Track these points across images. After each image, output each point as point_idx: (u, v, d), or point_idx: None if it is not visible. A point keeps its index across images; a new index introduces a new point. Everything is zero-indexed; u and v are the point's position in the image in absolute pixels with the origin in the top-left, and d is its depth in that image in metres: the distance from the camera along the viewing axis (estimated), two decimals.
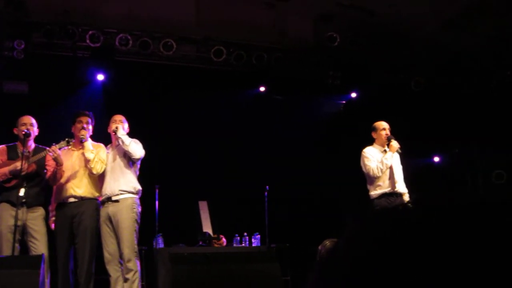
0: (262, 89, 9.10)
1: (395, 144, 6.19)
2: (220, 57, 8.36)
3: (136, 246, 5.68)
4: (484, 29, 8.30)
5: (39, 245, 5.43)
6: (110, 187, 5.74)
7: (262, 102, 9.14)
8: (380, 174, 6.06)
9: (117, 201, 5.66)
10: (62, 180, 5.70)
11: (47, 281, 5.34)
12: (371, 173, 6.10)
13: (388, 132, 6.28)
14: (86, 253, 5.54)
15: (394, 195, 6.05)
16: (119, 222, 5.60)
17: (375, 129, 6.38)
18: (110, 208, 5.66)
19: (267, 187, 7.72)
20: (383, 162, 6.07)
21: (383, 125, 6.34)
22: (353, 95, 9.54)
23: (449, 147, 9.83)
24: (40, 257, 5.19)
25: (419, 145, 8.92)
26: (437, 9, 8.07)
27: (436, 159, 9.98)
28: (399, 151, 6.23)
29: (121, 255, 5.62)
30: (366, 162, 6.17)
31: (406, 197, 6.20)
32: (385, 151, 6.20)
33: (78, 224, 5.58)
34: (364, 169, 6.24)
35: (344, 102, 9.63)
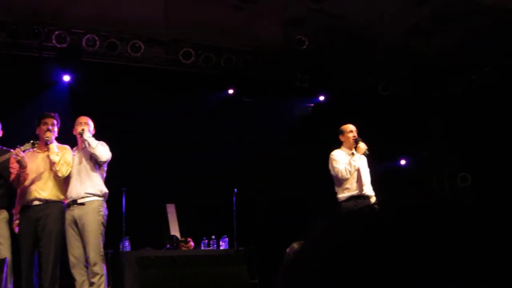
0: (231, 91, 9.03)
1: (362, 146, 6.23)
2: (188, 59, 8.30)
3: (102, 250, 5.59)
4: (450, 33, 8.51)
5: (2, 249, 5.31)
6: (76, 190, 5.65)
7: (231, 105, 9.07)
8: (349, 176, 6.10)
9: (83, 204, 5.58)
10: (27, 183, 5.61)
11: (10, 286, 5.26)
12: (339, 175, 6.14)
13: (355, 134, 6.33)
14: (50, 257, 5.43)
15: (361, 197, 6.11)
16: (85, 225, 5.53)
17: (342, 132, 6.44)
18: (75, 211, 5.58)
19: (236, 190, 7.72)
20: (351, 164, 6.11)
21: (350, 127, 6.39)
22: (321, 98, 9.54)
23: (416, 150, 9.91)
24: (3, 261, 5.11)
25: (387, 148, 8.95)
26: (404, 13, 8.08)
27: (403, 162, 10.04)
28: (367, 152, 6.27)
29: (86, 259, 5.54)
30: (335, 164, 6.20)
31: (373, 200, 6.25)
32: (352, 153, 6.23)
33: (43, 227, 5.49)
34: (332, 172, 6.28)
35: (312, 105, 9.64)
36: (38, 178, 5.62)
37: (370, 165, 6.44)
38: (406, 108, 9.65)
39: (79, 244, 5.56)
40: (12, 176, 5.57)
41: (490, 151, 8.99)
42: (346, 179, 6.13)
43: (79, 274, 5.55)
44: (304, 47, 8.32)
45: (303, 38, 8.29)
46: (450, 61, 9.12)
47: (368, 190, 6.20)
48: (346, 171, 6.09)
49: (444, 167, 9.91)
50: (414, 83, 9.72)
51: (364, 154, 6.26)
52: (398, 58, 9.09)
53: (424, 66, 9.34)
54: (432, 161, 9.97)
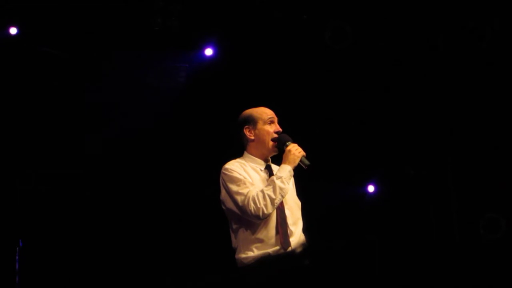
0: (13, 31, 8.21)
1: (295, 149, 5.58)
2: None
3: None
4: None
5: None
6: None
7: (12, 59, 8.22)
8: (271, 210, 5.44)
9: None
10: None
11: None
12: (250, 210, 5.39)
13: (277, 125, 5.75)
14: None
15: (286, 259, 5.48)
16: None
17: (251, 121, 5.80)
18: None
19: (21, 242, 7.83)
20: (275, 186, 5.45)
21: (266, 112, 5.82)
22: (208, 52, 9.02)
23: (398, 166, 9.36)
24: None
25: (341, 162, 8.86)
26: None
27: (371, 188, 9.72)
28: (306, 162, 5.59)
29: None
30: (235, 188, 5.47)
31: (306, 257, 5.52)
32: (268, 167, 5.63)
33: None
34: (230, 205, 5.48)
35: (186, 65, 9.11)
36: None
37: (306, 196, 5.76)
38: (379, 76, 8.76)
39: None
40: None
41: None
42: (264, 217, 5.46)
43: None
44: None
45: None
46: None
47: (299, 243, 5.59)
48: (265, 199, 5.41)
49: (452, 196, 9.22)
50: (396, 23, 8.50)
51: (302, 164, 5.57)
52: None
53: None
54: (426, 185, 9.20)
